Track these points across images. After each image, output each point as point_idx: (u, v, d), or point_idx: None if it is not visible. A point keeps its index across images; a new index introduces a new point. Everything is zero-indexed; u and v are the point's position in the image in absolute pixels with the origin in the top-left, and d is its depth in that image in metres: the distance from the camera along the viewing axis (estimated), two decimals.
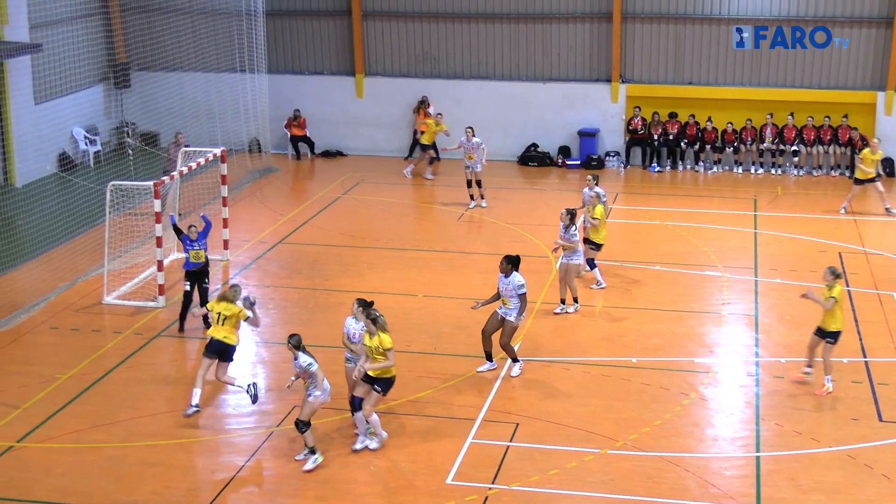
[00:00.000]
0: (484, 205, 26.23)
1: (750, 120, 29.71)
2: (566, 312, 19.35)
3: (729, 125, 29.76)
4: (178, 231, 18.79)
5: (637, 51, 30.36)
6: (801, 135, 29.52)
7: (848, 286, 19.90)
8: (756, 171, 29.81)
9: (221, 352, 15.58)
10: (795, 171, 29.58)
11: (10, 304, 19.69)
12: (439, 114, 29.72)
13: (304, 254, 22.85)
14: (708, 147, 30.01)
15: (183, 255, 19.05)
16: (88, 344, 18.17)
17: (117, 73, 30.75)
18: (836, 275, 16.13)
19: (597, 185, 21.12)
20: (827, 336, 16.21)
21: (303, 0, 31.75)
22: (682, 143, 30.14)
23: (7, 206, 24.20)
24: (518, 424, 15.25)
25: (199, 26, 30.35)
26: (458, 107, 30.55)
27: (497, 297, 16.72)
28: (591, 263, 20.60)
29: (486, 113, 30.84)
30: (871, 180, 25.57)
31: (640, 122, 30.29)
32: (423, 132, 29.23)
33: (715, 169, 30.06)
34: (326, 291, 20.55)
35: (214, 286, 19.80)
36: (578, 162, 30.45)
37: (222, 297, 15.75)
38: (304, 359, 13.90)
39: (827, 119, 29.38)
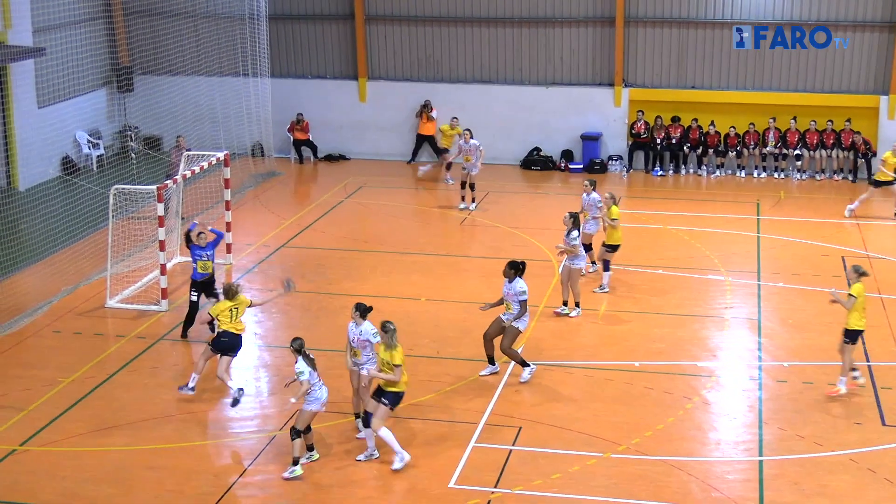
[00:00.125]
0: (472, 208, 26.28)
1: (753, 124, 29.68)
2: (567, 315, 19.36)
3: (732, 129, 29.74)
4: (188, 240, 18.62)
5: (640, 55, 30.35)
6: (804, 139, 29.50)
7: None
8: (759, 175, 29.78)
9: (234, 345, 15.83)
10: (798, 175, 29.55)
11: (14, 307, 19.70)
12: (455, 118, 29.79)
13: (307, 258, 22.86)
14: (711, 151, 29.96)
15: (186, 259, 19.03)
16: (91, 347, 18.19)
17: (120, 76, 30.79)
18: (858, 273, 16.01)
19: (594, 190, 21.13)
20: (844, 336, 16.13)
21: (306, 4, 31.79)
22: (685, 147, 30.13)
23: (10, 210, 24.19)
24: (521, 428, 15.25)
25: (202, 30, 30.38)
26: (460, 111, 30.49)
27: (503, 300, 16.75)
28: (606, 266, 20.60)
29: (489, 117, 30.85)
30: (889, 183, 25.55)
31: (642, 126, 30.28)
32: (442, 134, 29.79)
33: (718, 173, 30.04)
34: (329, 295, 20.56)
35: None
36: (581, 166, 30.44)
37: (230, 295, 15.84)
38: (298, 366, 13.92)
39: (830, 123, 29.35)
